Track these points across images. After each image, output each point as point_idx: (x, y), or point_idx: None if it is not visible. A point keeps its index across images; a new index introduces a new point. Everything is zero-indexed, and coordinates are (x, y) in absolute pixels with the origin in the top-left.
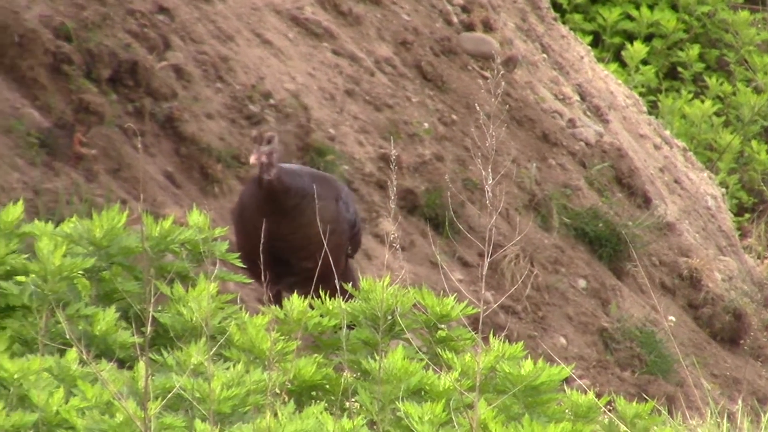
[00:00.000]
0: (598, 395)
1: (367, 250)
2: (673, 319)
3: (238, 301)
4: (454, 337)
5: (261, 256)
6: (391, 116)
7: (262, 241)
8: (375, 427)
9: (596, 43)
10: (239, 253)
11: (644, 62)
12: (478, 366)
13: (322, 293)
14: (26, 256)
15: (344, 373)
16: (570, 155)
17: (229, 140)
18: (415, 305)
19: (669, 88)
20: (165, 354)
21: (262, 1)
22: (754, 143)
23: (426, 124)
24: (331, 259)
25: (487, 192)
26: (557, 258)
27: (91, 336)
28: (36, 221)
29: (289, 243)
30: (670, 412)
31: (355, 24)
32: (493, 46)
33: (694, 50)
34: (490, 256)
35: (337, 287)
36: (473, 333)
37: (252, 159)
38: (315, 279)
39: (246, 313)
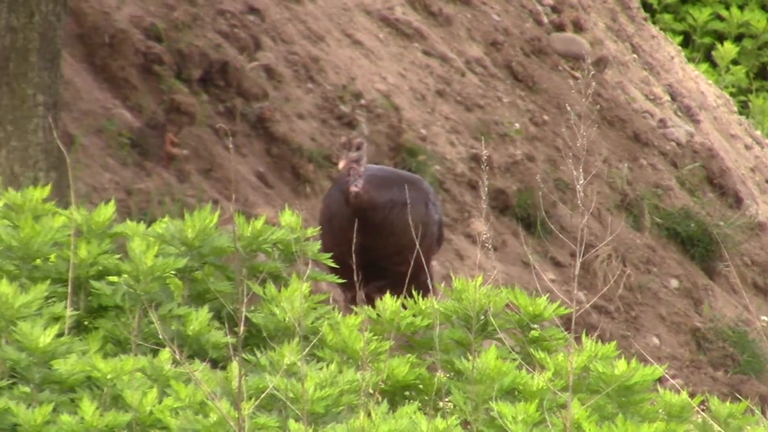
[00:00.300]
0: (691, 395)
1: (459, 250)
2: (766, 319)
3: (331, 301)
4: (546, 337)
5: (353, 259)
6: (482, 116)
7: (353, 248)
8: (468, 426)
9: (686, 43)
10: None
11: (734, 62)
12: (571, 366)
13: (414, 293)
14: (119, 256)
15: (437, 373)
16: (661, 155)
17: (320, 140)
18: (507, 305)
19: (760, 88)
20: (258, 354)
21: (353, 1)
22: None
23: (517, 124)
24: (423, 261)
25: (579, 192)
26: (649, 258)
27: (183, 336)
28: (128, 221)
29: (381, 251)
30: (763, 412)
31: (445, 24)
32: (584, 47)
33: None
34: (582, 256)
35: (429, 287)
36: (566, 333)
37: (341, 164)
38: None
39: (339, 313)
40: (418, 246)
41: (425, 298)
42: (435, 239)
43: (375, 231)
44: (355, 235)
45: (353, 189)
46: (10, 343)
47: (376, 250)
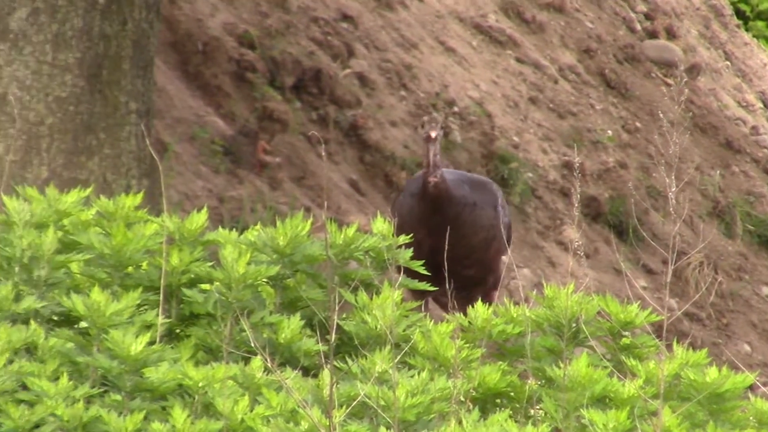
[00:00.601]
0: None
1: (551, 258)
2: None
3: (423, 308)
4: (638, 345)
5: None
6: (575, 123)
7: (426, 253)
8: None
9: None
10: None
11: None
12: (662, 373)
13: (480, 299)
14: (210, 264)
15: (529, 381)
16: (753, 162)
17: (412, 148)
18: (599, 313)
19: None
20: (349, 362)
21: (446, 8)
22: None
23: (609, 132)
24: (492, 265)
25: (671, 199)
26: (741, 265)
27: (275, 344)
28: (220, 229)
29: (450, 253)
30: None
31: (538, 32)
32: (677, 54)
33: None
34: (674, 264)
35: (496, 291)
36: (657, 340)
37: (433, 133)
38: (475, 285)
39: (430, 321)
40: (485, 250)
41: (488, 303)
42: (504, 242)
43: (446, 228)
44: (425, 239)
45: (432, 179)
46: (102, 351)
47: (446, 252)
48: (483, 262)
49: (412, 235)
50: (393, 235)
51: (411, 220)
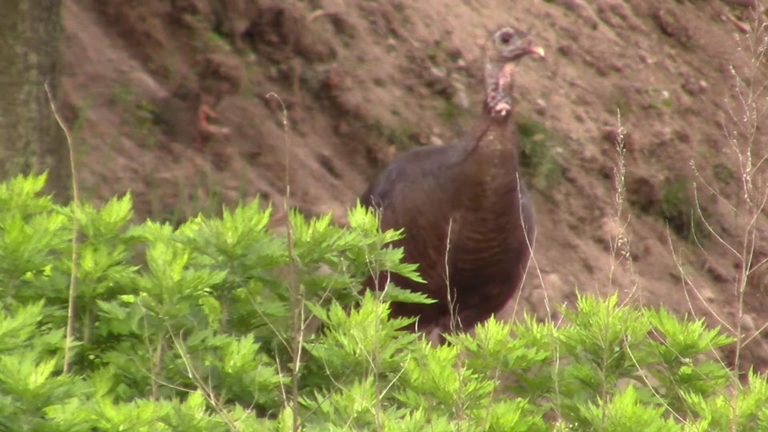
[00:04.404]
0: None
1: (588, 260)
2: None
3: (416, 327)
4: (702, 375)
5: (445, 269)
6: (619, 82)
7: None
8: None
9: None
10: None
11: None
12: (733, 413)
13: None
14: (135, 268)
15: (557, 423)
16: None
17: (405, 114)
18: (650, 332)
19: None
20: (319, 398)
21: None
22: None
23: (666, 93)
24: (518, 281)
25: (746, 182)
26: None
27: (221, 374)
28: (148, 222)
29: (479, 255)
30: None
31: None
32: None
33: None
34: (751, 268)
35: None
36: (728, 369)
37: (493, 53)
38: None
39: (427, 344)
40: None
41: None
42: (530, 251)
43: (486, 212)
44: (446, 231)
45: (503, 106)
46: None
47: (474, 252)
48: (511, 276)
49: (420, 229)
50: (378, 230)
51: (435, 197)
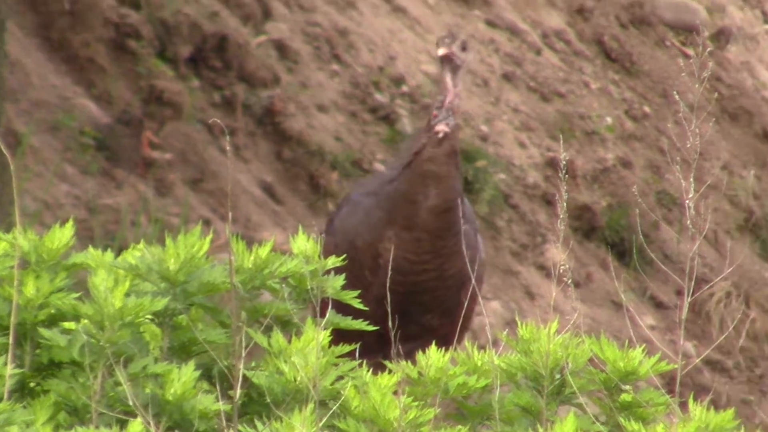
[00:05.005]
0: None
1: (529, 287)
2: None
3: (357, 355)
4: (642, 402)
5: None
6: (563, 108)
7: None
8: None
9: None
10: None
11: None
12: None
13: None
14: (77, 295)
15: None
16: None
17: (347, 140)
18: (591, 359)
19: None
20: (260, 425)
21: None
22: None
23: (609, 119)
24: (456, 315)
25: (689, 208)
26: None
27: (161, 402)
28: (90, 248)
29: (414, 278)
30: None
31: None
32: (699, 15)
33: None
34: (693, 295)
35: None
36: (668, 396)
37: (441, 51)
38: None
39: (368, 372)
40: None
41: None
42: (481, 284)
43: (426, 232)
44: (385, 251)
45: (442, 128)
46: None
47: (411, 275)
48: (449, 308)
49: (359, 253)
50: (320, 257)
51: (368, 225)
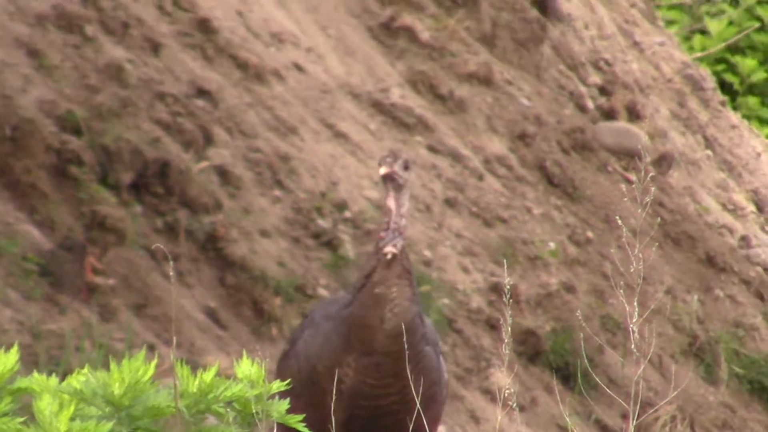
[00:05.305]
0: None
1: (474, 411)
2: None
3: None
4: None
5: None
6: (506, 233)
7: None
8: None
9: None
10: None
11: None
12: None
13: None
14: (22, 419)
15: None
16: (743, 284)
17: (291, 266)
18: None
19: None
20: None
21: (335, 81)
22: None
23: (552, 244)
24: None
25: (633, 332)
26: (726, 420)
27: None
28: (35, 373)
29: (376, 402)
30: None
31: (457, 111)
32: (641, 140)
33: None
34: (638, 419)
35: None
36: None
37: (383, 170)
38: None
39: None
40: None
41: None
42: (443, 407)
43: (382, 356)
44: (345, 374)
45: (390, 249)
46: None
47: (371, 399)
48: (414, 431)
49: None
50: (264, 381)
51: (328, 350)
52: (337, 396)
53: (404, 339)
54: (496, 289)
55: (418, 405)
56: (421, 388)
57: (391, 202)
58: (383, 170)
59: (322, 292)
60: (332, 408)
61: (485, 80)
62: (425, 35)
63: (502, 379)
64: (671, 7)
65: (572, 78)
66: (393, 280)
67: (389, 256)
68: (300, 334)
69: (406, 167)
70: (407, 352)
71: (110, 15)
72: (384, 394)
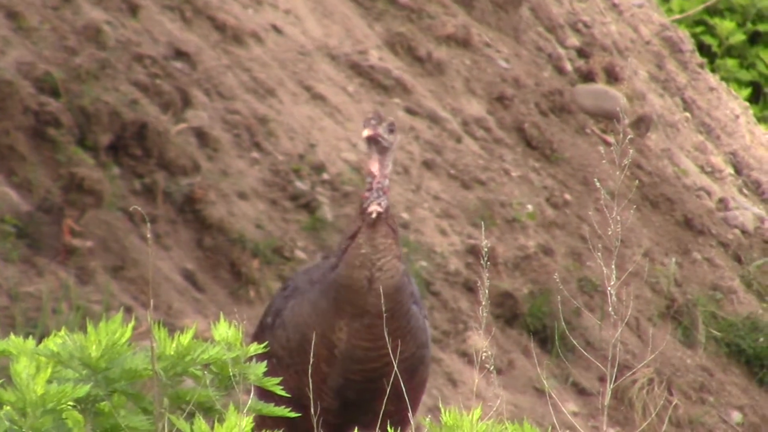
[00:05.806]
0: None
1: (452, 374)
2: None
3: None
4: None
5: (318, 394)
6: (484, 195)
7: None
8: None
9: (756, 97)
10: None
11: None
12: None
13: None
14: None
15: None
16: (721, 246)
17: (268, 228)
18: None
19: None
20: None
21: (313, 43)
22: None
23: (530, 206)
24: (415, 401)
25: (610, 295)
26: (703, 383)
27: None
28: (12, 336)
29: (370, 365)
30: None
31: (436, 73)
32: (619, 102)
33: None
34: (615, 381)
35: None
36: None
37: (366, 132)
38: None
39: None
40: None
41: None
42: (428, 372)
43: (372, 318)
44: (335, 337)
45: (375, 208)
46: None
47: (363, 363)
48: (401, 393)
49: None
50: (242, 344)
51: (317, 317)
52: (330, 361)
53: (395, 297)
54: (473, 251)
55: (411, 366)
56: (411, 349)
57: (374, 165)
58: (366, 132)
59: (300, 254)
60: (327, 374)
61: (463, 42)
62: None
63: (479, 341)
64: None
65: (551, 40)
66: (379, 239)
67: (374, 216)
68: (283, 303)
69: (391, 130)
70: (397, 311)
71: None
72: (377, 356)
